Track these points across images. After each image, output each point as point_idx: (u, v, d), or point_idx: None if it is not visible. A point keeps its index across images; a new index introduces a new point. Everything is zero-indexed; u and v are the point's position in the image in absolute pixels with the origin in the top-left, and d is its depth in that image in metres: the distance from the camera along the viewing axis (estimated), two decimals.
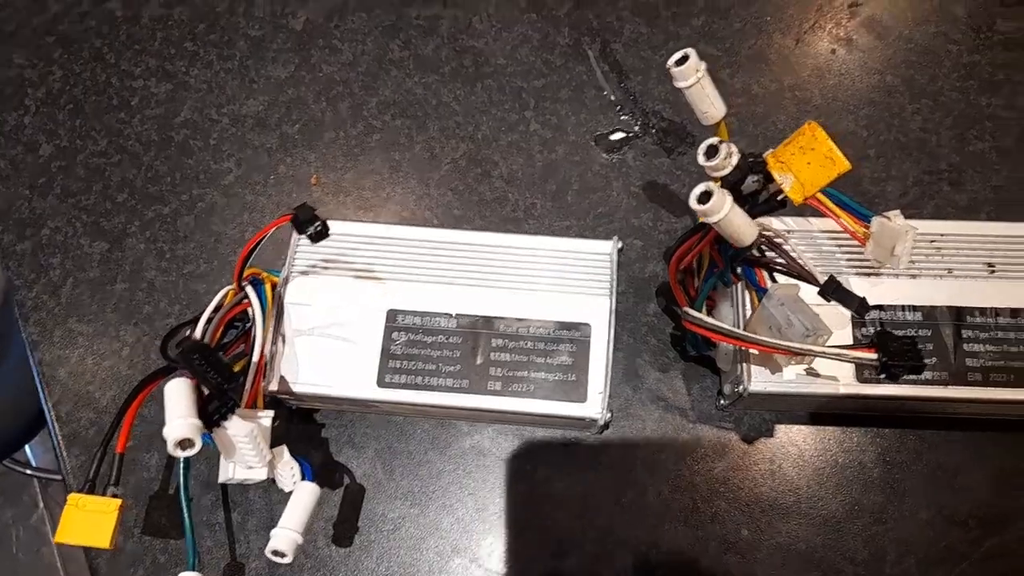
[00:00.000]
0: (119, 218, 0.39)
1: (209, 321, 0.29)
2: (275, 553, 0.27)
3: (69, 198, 0.39)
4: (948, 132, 0.38)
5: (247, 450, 0.27)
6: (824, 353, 0.27)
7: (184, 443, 0.24)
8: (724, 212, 0.23)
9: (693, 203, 0.23)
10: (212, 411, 0.26)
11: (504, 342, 0.32)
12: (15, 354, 0.62)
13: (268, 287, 0.31)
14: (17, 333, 0.59)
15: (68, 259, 0.38)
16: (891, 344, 0.26)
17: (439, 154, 0.39)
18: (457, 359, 0.32)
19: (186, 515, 0.30)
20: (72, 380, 0.36)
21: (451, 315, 0.32)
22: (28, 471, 1.05)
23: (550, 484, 0.34)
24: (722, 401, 0.34)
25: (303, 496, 0.28)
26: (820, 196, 0.27)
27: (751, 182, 0.24)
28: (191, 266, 0.38)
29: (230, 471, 0.28)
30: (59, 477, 1.07)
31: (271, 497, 0.34)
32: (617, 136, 0.39)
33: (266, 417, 0.29)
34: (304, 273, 0.33)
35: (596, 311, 0.32)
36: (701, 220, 0.24)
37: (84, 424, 0.36)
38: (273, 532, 0.27)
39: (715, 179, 0.25)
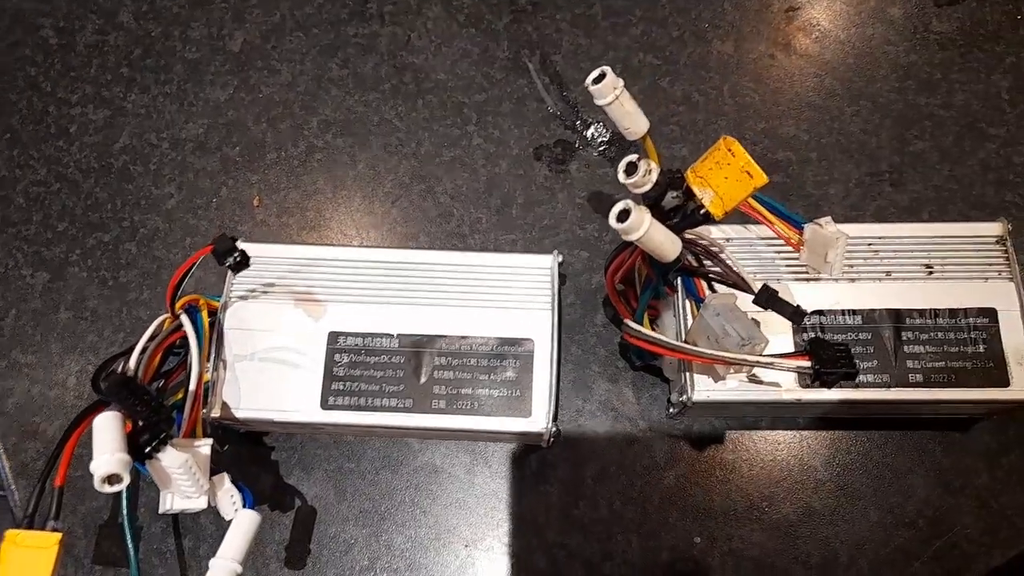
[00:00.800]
0: (60, 247, 0.38)
1: (144, 351, 0.29)
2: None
3: (9, 228, 0.38)
4: (888, 133, 0.39)
5: (183, 481, 0.26)
6: (759, 363, 0.27)
7: (111, 478, 0.24)
8: (643, 230, 0.23)
9: (613, 222, 0.23)
10: (143, 443, 0.26)
11: (447, 360, 0.32)
12: None
13: (205, 314, 0.31)
14: None
15: (10, 290, 0.37)
16: (824, 352, 0.26)
17: (382, 171, 0.39)
18: (401, 379, 0.32)
19: (129, 546, 0.30)
20: (18, 412, 0.36)
21: (393, 335, 0.32)
22: None
23: (502, 499, 0.33)
24: (671, 409, 0.34)
25: (242, 524, 0.27)
26: (753, 203, 0.27)
27: (671, 198, 0.25)
28: (134, 293, 0.37)
29: (168, 502, 0.27)
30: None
31: (222, 523, 0.33)
32: (559, 148, 0.39)
33: (204, 446, 0.28)
34: (243, 298, 0.33)
35: (538, 326, 0.32)
36: (623, 237, 0.24)
37: (31, 455, 0.35)
38: (212, 562, 0.27)
39: (636, 196, 0.25)
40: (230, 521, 0.28)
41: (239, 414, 0.31)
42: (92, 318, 0.37)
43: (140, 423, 0.27)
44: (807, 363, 0.27)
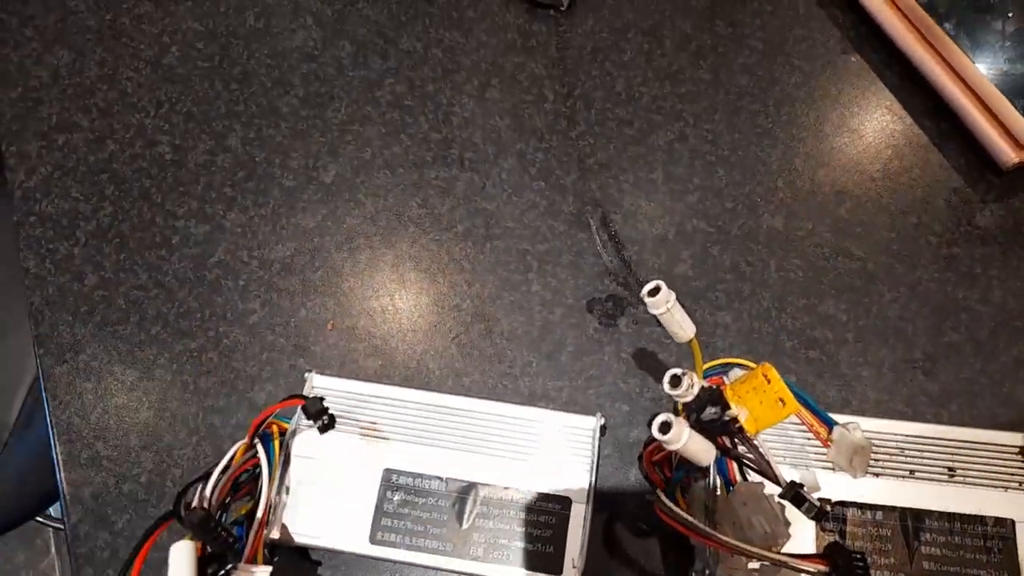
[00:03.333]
0: (151, 349, 0.42)
1: (218, 480, 0.32)
2: None
3: (107, 327, 0.43)
4: (925, 321, 0.41)
5: None
6: (778, 560, 0.29)
7: None
8: (683, 442, 0.26)
9: (655, 432, 0.26)
10: (211, 573, 0.29)
11: (488, 509, 0.34)
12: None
13: (276, 443, 0.34)
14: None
15: (100, 385, 0.41)
16: (840, 559, 0.28)
17: (446, 308, 0.43)
18: (444, 522, 0.34)
19: None
20: (93, 501, 0.39)
21: (441, 478, 0.35)
22: (43, 520, 1.08)
23: None
24: (693, 574, 0.36)
25: None
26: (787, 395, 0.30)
27: (710, 411, 0.27)
28: (211, 400, 0.41)
29: None
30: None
31: None
32: (611, 303, 0.42)
33: (263, 572, 0.31)
34: (311, 426, 0.36)
35: (577, 485, 0.35)
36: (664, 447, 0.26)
37: (100, 545, 0.38)
38: None
39: (678, 404, 0.28)
40: None
41: (296, 539, 0.34)
42: (171, 419, 0.41)
43: (209, 550, 0.30)
44: (824, 568, 0.28)
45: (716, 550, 0.33)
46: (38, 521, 0.98)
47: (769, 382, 0.26)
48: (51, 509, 1.02)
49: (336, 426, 0.36)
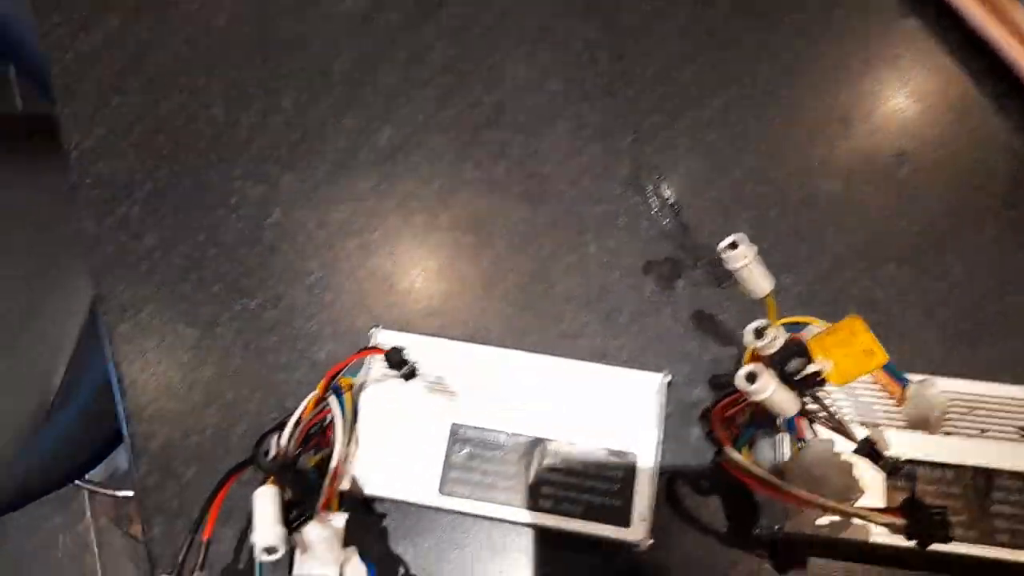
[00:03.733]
0: (211, 307, 0.42)
1: (296, 426, 0.32)
2: None
3: (167, 286, 0.43)
4: (987, 284, 0.41)
5: (323, 551, 0.30)
6: (855, 513, 0.29)
7: (270, 550, 0.27)
8: (768, 393, 0.26)
9: (740, 383, 0.26)
10: (293, 518, 0.29)
11: (556, 463, 0.35)
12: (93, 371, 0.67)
13: (348, 395, 0.35)
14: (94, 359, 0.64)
15: (163, 343, 0.42)
16: (920, 514, 0.28)
17: (503, 269, 0.43)
18: (512, 475, 0.35)
19: None
20: (160, 454, 0.40)
21: (508, 433, 0.35)
22: (80, 483, 1.10)
23: None
24: (758, 531, 0.36)
25: None
26: None
27: (795, 363, 0.27)
28: (272, 357, 0.41)
29: (304, 568, 0.31)
30: (108, 492, 1.11)
31: None
32: (668, 266, 0.42)
33: (339, 519, 0.32)
34: (378, 381, 0.36)
35: (644, 440, 0.35)
36: (748, 396, 0.26)
37: (168, 496, 0.39)
38: None
39: (760, 357, 0.28)
40: None
41: (366, 490, 0.34)
42: (233, 376, 0.41)
43: (288, 496, 0.30)
44: (902, 521, 0.29)
45: (786, 505, 0.33)
46: (76, 484, 0.99)
47: (855, 335, 0.26)
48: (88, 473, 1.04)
49: (403, 381, 0.36)
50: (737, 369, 0.27)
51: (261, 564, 0.32)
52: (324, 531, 0.29)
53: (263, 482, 0.30)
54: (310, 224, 0.44)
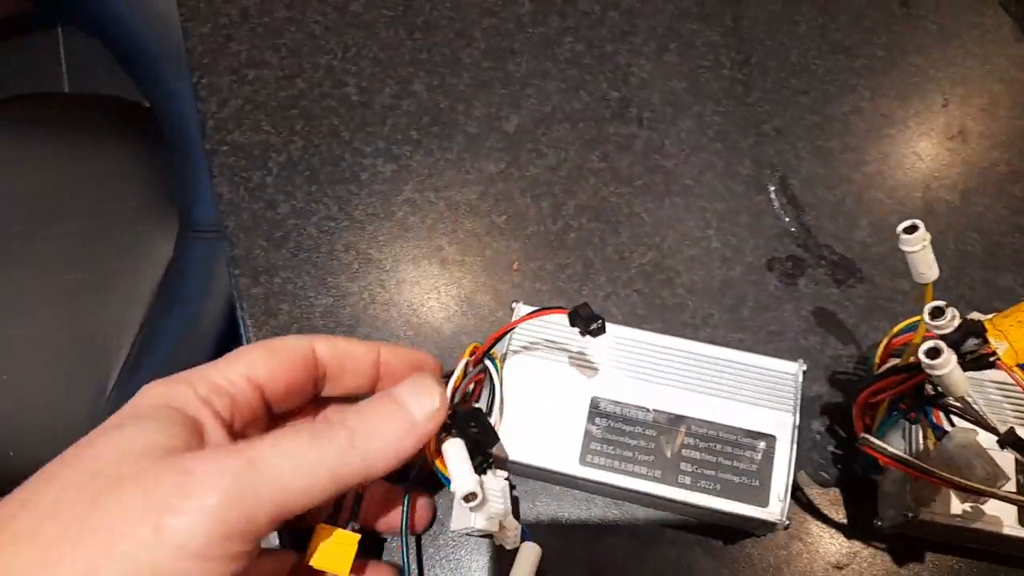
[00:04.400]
0: (343, 276, 0.44)
1: (453, 392, 0.34)
2: None
3: (301, 253, 0.44)
4: None
5: (497, 502, 0.31)
6: (1005, 497, 0.30)
7: (470, 496, 0.29)
8: (949, 368, 0.27)
9: (922, 357, 0.27)
10: (475, 466, 0.30)
11: (695, 441, 0.36)
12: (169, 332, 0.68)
13: (499, 363, 0.36)
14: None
15: (295, 307, 0.43)
16: None
17: (627, 258, 0.44)
18: (652, 450, 0.36)
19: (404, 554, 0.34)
20: None
21: (648, 409, 0.36)
22: None
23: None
24: (880, 523, 0.37)
25: (528, 555, 0.32)
26: None
27: (971, 343, 0.28)
28: (401, 328, 0.43)
29: (470, 519, 0.32)
30: None
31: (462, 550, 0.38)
32: (791, 263, 0.43)
33: (503, 476, 0.33)
34: (517, 352, 0.38)
35: (780, 425, 0.36)
36: (927, 372, 0.27)
37: None
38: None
39: (935, 336, 0.29)
40: (512, 551, 0.32)
41: (512, 456, 0.35)
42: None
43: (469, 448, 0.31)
44: None
45: (917, 495, 0.34)
46: None
47: None
48: None
49: (545, 351, 0.37)
50: (889, 359, 0.28)
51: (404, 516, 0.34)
52: (499, 482, 0.30)
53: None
54: (440, 204, 0.46)
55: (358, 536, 0.33)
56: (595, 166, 0.46)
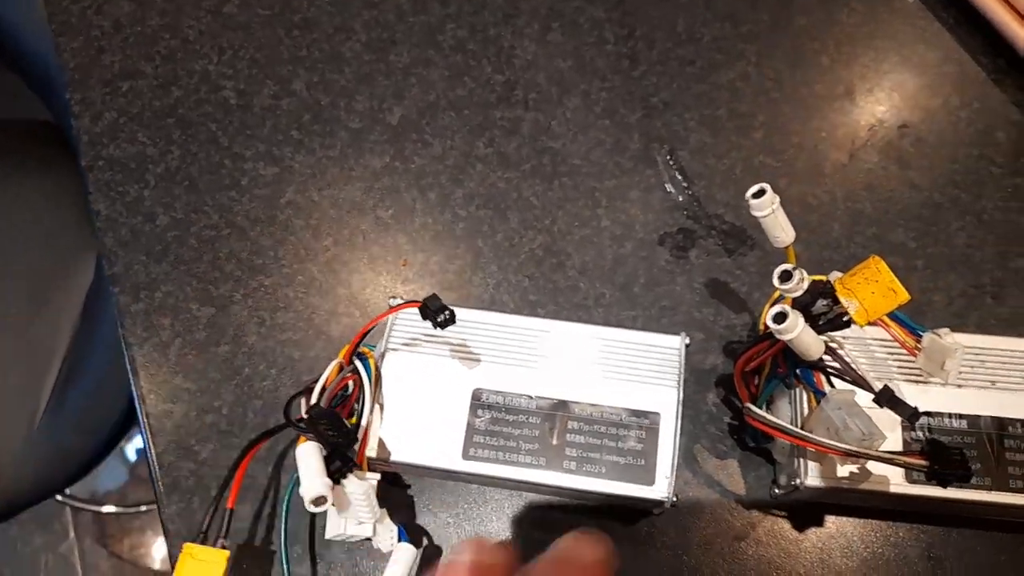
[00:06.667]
0: (226, 286, 0.43)
1: (321, 393, 0.33)
2: None
3: (181, 265, 0.43)
4: (991, 249, 0.42)
5: (362, 506, 0.30)
6: (879, 457, 0.30)
7: (319, 500, 0.28)
8: (797, 332, 0.26)
9: (769, 322, 0.26)
10: (333, 471, 0.29)
11: (579, 425, 0.35)
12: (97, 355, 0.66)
13: (372, 362, 0.35)
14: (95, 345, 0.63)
15: (178, 321, 0.42)
16: (943, 454, 0.29)
17: (517, 243, 0.43)
18: (536, 438, 0.35)
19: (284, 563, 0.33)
20: (176, 433, 0.40)
21: (531, 396, 0.36)
22: (62, 498, 1.08)
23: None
24: (776, 491, 0.37)
25: (404, 556, 0.31)
26: None
27: (821, 304, 0.28)
28: (288, 334, 0.41)
29: (341, 526, 0.31)
30: (92, 508, 1.09)
31: (357, 555, 0.37)
32: (681, 236, 0.43)
33: (374, 478, 0.32)
34: (396, 349, 0.37)
35: (665, 401, 0.35)
36: (776, 336, 0.27)
37: (184, 474, 0.39)
38: None
39: (787, 300, 0.28)
40: (388, 554, 0.31)
41: (393, 456, 0.34)
42: (248, 353, 0.41)
43: (328, 453, 0.30)
44: (925, 463, 0.29)
45: (806, 460, 0.33)
46: (59, 500, 0.97)
47: (880, 273, 0.27)
48: (69, 489, 1.02)
49: (423, 346, 0.36)
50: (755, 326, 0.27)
51: (285, 513, 0.32)
52: (362, 486, 0.29)
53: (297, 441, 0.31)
54: (324, 203, 0.44)
55: (227, 553, 0.32)
56: (482, 152, 0.45)
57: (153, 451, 0.39)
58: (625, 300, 0.41)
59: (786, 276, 0.27)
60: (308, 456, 0.28)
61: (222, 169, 0.45)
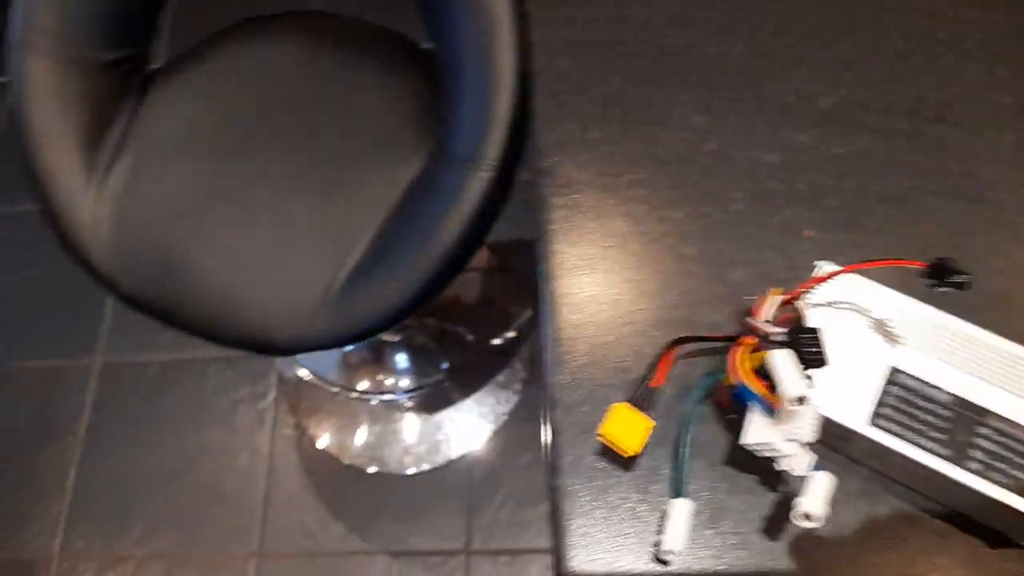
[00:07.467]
0: (640, 207, 0.46)
1: (775, 315, 0.35)
2: (806, 517, 0.32)
3: (603, 177, 0.47)
4: None
5: (807, 426, 0.32)
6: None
7: (800, 399, 0.30)
8: None
9: None
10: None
11: (993, 434, 0.36)
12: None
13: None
14: None
15: (598, 221, 0.46)
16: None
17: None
18: (945, 430, 0.36)
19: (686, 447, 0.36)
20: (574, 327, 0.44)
21: (948, 392, 0.37)
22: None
23: None
24: None
25: (824, 481, 0.33)
26: None
27: None
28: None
29: (767, 436, 0.33)
30: (319, 381, 1.19)
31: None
32: None
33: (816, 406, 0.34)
34: (818, 305, 0.39)
35: None
36: None
37: (580, 350, 0.43)
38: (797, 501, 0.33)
39: None
40: (800, 478, 0.33)
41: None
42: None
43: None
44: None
45: None
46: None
47: None
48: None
49: (845, 316, 0.38)
50: None
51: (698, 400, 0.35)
52: (810, 409, 0.31)
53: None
54: (745, 162, 0.47)
55: (653, 423, 0.35)
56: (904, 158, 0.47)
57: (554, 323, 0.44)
58: None
59: None
60: (785, 361, 0.31)
61: (656, 106, 0.49)
